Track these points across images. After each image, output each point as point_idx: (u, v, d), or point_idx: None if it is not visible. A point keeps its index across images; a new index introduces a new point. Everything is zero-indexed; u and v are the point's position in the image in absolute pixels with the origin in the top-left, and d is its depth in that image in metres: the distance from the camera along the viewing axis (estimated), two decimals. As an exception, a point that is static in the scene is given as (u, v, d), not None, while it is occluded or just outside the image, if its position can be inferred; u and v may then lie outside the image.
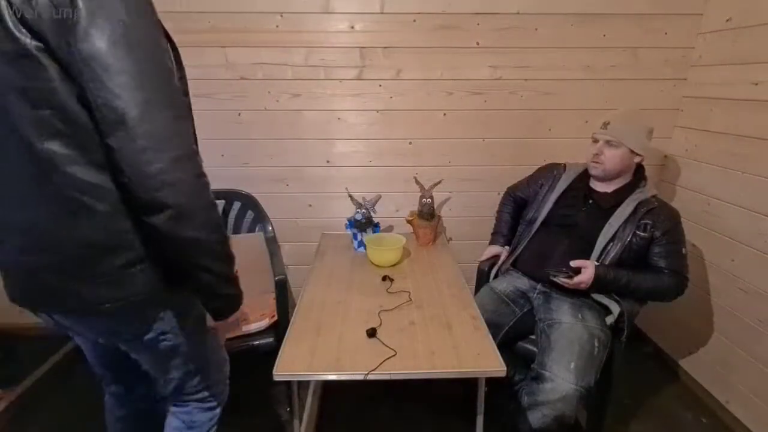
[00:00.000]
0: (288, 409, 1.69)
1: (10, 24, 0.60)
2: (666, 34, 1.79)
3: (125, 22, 0.62)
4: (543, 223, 1.56)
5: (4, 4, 0.60)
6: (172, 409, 1.07)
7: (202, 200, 0.73)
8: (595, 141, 1.47)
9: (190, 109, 0.78)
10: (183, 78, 0.78)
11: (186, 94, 0.79)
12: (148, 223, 0.70)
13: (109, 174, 0.70)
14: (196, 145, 0.77)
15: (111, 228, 0.73)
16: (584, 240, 1.44)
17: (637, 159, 1.44)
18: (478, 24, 1.76)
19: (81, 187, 0.69)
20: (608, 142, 1.43)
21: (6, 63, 0.63)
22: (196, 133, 0.82)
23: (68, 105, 0.65)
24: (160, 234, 0.71)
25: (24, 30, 0.60)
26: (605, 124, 1.44)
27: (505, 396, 1.47)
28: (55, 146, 0.67)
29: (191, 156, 0.71)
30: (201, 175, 0.72)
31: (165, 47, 0.70)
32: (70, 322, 0.84)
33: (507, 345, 1.48)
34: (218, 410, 1.11)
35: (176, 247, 0.73)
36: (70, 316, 0.83)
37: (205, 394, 1.06)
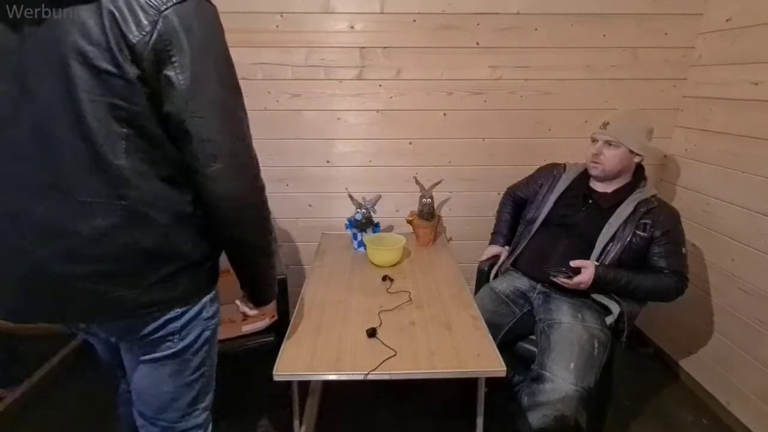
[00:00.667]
0: (288, 409, 1.69)
1: (114, 46, 0.64)
2: (666, 34, 1.79)
3: (221, 61, 0.73)
4: (543, 223, 1.56)
5: (112, 26, 0.64)
6: None
7: (263, 213, 0.86)
8: (595, 141, 1.47)
9: None
10: None
11: None
12: (229, 237, 0.84)
13: (177, 188, 0.77)
14: None
15: (170, 238, 0.79)
16: (584, 240, 1.44)
17: (636, 159, 1.44)
18: (478, 24, 1.76)
19: (148, 201, 0.75)
20: (607, 143, 1.43)
21: (94, 75, 0.66)
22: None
23: (148, 126, 0.71)
24: (234, 242, 0.85)
25: (126, 53, 0.65)
26: (604, 125, 1.44)
27: (505, 396, 1.47)
28: (130, 162, 0.71)
29: (259, 173, 0.84)
30: (263, 190, 0.85)
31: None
32: (93, 326, 0.86)
33: (507, 345, 1.47)
34: None
35: (245, 250, 0.87)
36: (98, 322, 0.84)
37: (200, 414, 0.99)
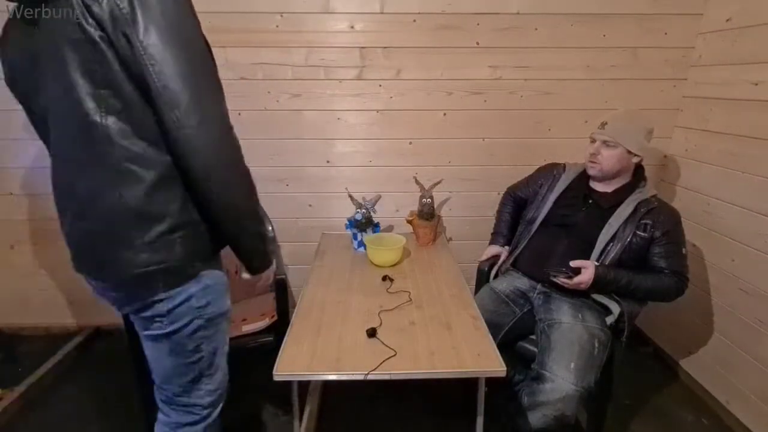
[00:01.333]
0: (288, 409, 1.69)
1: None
2: (666, 34, 1.79)
3: (175, 21, 0.76)
4: (543, 223, 1.56)
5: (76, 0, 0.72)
6: (160, 419, 1.09)
7: (239, 170, 0.88)
8: (593, 141, 1.47)
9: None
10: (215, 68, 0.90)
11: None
12: (198, 189, 0.84)
13: (157, 147, 0.81)
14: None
15: (157, 196, 0.83)
16: (584, 240, 1.44)
17: (635, 159, 1.44)
18: (478, 24, 1.76)
19: (132, 158, 0.80)
20: (605, 143, 1.43)
21: (75, 49, 0.75)
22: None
23: (124, 86, 0.76)
24: (205, 197, 0.85)
25: (91, 21, 0.72)
26: (603, 125, 1.44)
27: (505, 396, 1.47)
28: (111, 121, 0.78)
29: (231, 130, 0.85)
30: (238, 149, 0.87)
31: (206, 43, 0.84)
32: (110, 290, 0.93)
33: (507, 345, 1.48)
34: (199, 427, 1.07)
35: (219, 207, 0.87)
36: (109, 283, 0.91)
37: (191, 401, 1.04)
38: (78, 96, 0.77)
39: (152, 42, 0.73)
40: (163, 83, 0.74)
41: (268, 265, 1.03)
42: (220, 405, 1.11)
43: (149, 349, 1.01)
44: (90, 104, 0.77)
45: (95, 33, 0.73)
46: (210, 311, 0.97)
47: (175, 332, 0.94)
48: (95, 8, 0.72)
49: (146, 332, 0.97)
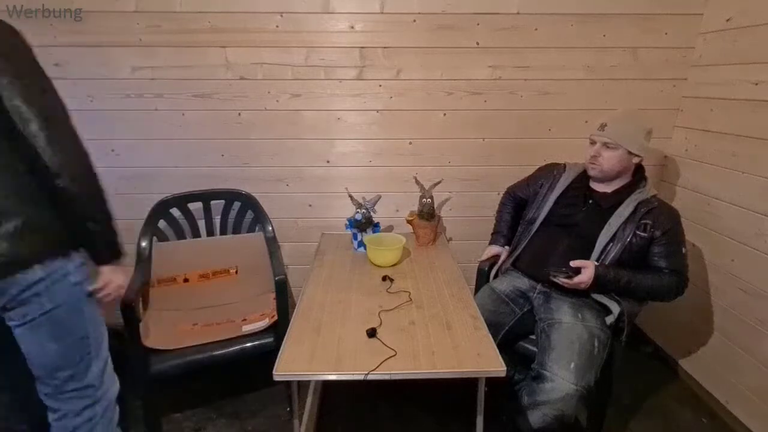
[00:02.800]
0: (288, 409, 1.69)
1: None
2: (666, 34, 1.79)
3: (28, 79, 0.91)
4: (543, 222, 1.56)
5: None
6: (48, 413, 1.12)
7: (85, 169, 1.00)
8: (593, 143, 1.47)
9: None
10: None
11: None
12: (54, 185, 0.95)
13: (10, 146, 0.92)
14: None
15: (11, 195, 0.93)
16: (584, 240, 1.44)
17: (635, 160, 1.44)
18: (478, 24, 1.76)
19: None
20: (606, 144, 1.43)
21: None
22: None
23: None
24: (59, 194, 0.96)
25: None
26: (602, 126, 1.44)
27: (505, 396, 1.47)
28: None
29: (77, 137, 0.99)
30: (85, 155, 1.00)
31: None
32: None
33: (507, 345, 1.48)
34: (98, 408, 1.14)
35: (71, 202, 0.98)
36: None
37: (83, 383, 1.10)
38: None
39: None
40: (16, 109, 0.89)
41: (116, 256, 1.10)
42: (115, 388, 1.18)
43: (28, 341, 1.03)
44: None
45: None
46: (86, 287, 1.06)
47: (56, 309, 1.01)
48: None
49: (23, 320, 1.00)
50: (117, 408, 1.21)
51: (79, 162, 0.99)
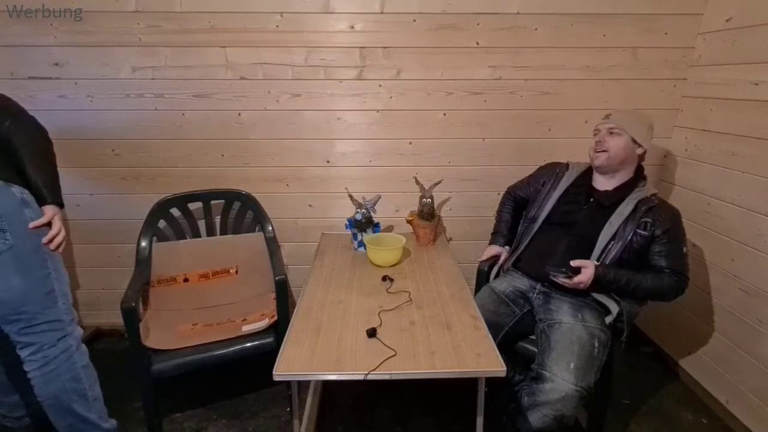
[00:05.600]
0: (288, 409, 1.69)
1: None
2: (666, 34, 1.79)
3: None
4: (545, 221, 1.56)
5: None
6: (21, 353, 1.19)
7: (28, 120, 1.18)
8: (597, 132, 1.48)
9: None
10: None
11: None
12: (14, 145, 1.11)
13: None
14: None
15: None
16: (585, 239, 1.44)
17: (639, 150, 1.44)
18: (478, 24, 1.76)
19: None
20: (611, 130, 1.43)
21: None
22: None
23: None
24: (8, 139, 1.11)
25: None
26: (607, 116, 1.46)
27: (505, 396, 1.47)
28: None
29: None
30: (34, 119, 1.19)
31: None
32: None
33: (507, 345, 1.48)
34: (71, 340, 1.23)
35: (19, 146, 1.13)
36: None
37: (53, 317, 1.18)
38: None
39: None
40: None
41: (56, 198, 1.19)
42: (79, 330, 1.27)
43: None
44: None
45: None
46: (44, 229, 1.15)
47: (17, 245, 1.09)
48: None
49: None
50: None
51: (27, 116, 1.17)
